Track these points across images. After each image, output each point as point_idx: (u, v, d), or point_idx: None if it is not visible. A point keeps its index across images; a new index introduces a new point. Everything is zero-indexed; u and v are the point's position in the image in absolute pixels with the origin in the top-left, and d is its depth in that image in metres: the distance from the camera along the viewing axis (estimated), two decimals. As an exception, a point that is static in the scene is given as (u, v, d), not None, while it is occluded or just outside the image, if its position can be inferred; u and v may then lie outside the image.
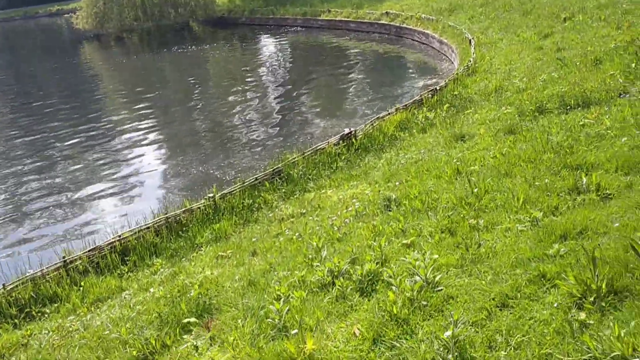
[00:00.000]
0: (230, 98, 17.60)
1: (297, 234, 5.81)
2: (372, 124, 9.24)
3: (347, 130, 8.77)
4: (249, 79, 20.52)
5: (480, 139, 7.38)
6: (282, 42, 28.45)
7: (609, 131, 6.10)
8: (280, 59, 24.85)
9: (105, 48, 36.32)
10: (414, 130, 9.06)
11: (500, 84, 10.48)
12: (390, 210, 5.68)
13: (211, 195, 7.14)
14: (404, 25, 21.93)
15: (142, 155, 12.94)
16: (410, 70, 18.56)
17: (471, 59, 12.51)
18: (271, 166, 8.18)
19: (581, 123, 6.63)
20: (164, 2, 38.51)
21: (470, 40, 14.85)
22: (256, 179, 7.64)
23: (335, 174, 7.87)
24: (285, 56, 25.39)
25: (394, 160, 7.81)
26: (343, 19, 26.80)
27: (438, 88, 10.68)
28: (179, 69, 25.28)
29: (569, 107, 7.52)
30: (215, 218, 7.01)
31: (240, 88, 19.05)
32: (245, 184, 7.46)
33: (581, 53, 11.06)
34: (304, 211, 6.61)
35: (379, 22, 24.06)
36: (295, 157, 8.18)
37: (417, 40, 21.04)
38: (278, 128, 13.84)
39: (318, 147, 8.43)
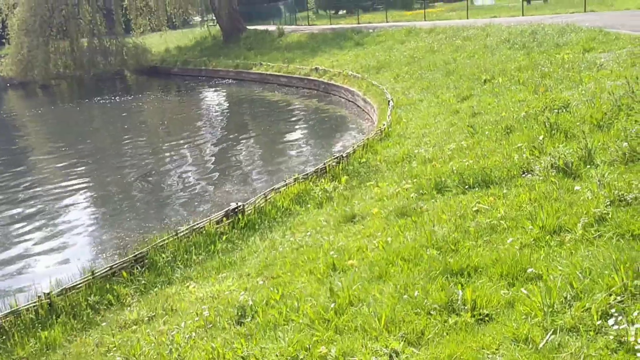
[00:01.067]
0: (153, 152, 16.44)
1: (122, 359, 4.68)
2: (265, 197, 8.31)
3: (233, 205, 7.78)
4: (174, 133, 19.44)
5: (372, 221, 6.54)
6: (213, 95, 27.65)
7: (502, 222, 5.33)
8: (209, 112, 23.95)
9: (30, 96, 34.62)
10: (310, 205, 8.18)
11: (410, 151, 9.80)
12: (241, 323, 4.68)
13: (46, 292, 5.94)
14: (332, 82, 21.50)
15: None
16: (333, 129, 17.88)
17: (385, 123, 11.88)
18: (133, 251, 7.06)
19: (475, 209, 5.86)
20: (94, 51, 37.39)
21: (389, 102, 14.32)
22: (111, 267, 6.51)
23: (210, 260, 6.83)
24: (213, 109, 24.52)
25: (278, 243, 6.86)
26: (274, 73, 26.30)
27: (344, 155, 9.91)
28: (101, 119, 24.00)
29: (467, 186, 6.79)
30: (47, 322, 5.80)
31: (162, 143, 17.93)
32: (95, 275, 6.31)
33: (494, 119, 10.57)
34: (153, 314, 5.52)
35: (309, 77, 23.62)
36: (165, 239, 7.10)
37: (343, 98, 20.59)
38: (196, 186, 12.75)
39: (196, 226, 7.39)
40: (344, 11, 48.12)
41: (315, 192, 8.28)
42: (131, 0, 39.63)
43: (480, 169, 6.91)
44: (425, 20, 32.82)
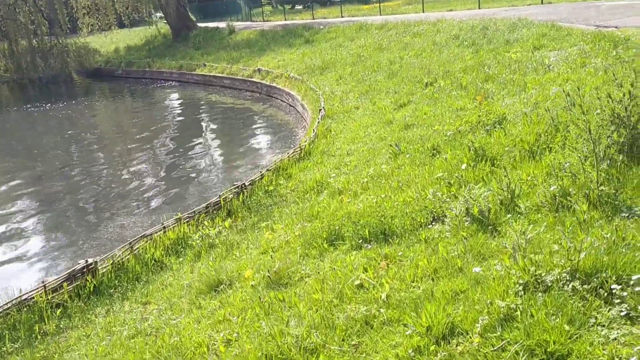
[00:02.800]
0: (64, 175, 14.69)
1: None
2: (131, 247, 6.75)
3: (82, 263, 6.21)
4: (84, 150, 17.68)
5: (236, 293, 5.06)
6: (149, 100, 25.85)
7: (381, 310, 3.89)
8: (134, 122, 22.11)
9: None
10: (188, 256, 6.66)
11: (324, 177, 8.35)
12: None
13: None
14: (274, 85, 19.95)
15: None
16: (268, 139, 16.32)
17: (307, 138, 10.40)
18: None
19: (358, 282, 4.42)
20: (34, 52, 35.23)
21: (320, 110, 12.85)
22: None
23: (32, 346, 5.27)
24: (142, 119, 22.69)
25: (120, 322, 5.33)
26: (217, 74, 24.63)
27: (247, 183, 8.40)
28: (44, 126, 22.06)
29: (363, 239, 5.35)
30: None
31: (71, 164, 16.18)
32: None
33: (425, 135, 9.18)
34: None
35: (251, 79, 22.03)
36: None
37: (285, 102, 19.08)
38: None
39: (23, 298, 5.80)
40: (301, 6, 46.53)
41: (194, 238, 6.75)
42: (77, -1, 37.55)
43: (380, 218, 5.44)
44: (380, 14, 31.45)
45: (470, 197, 5.03)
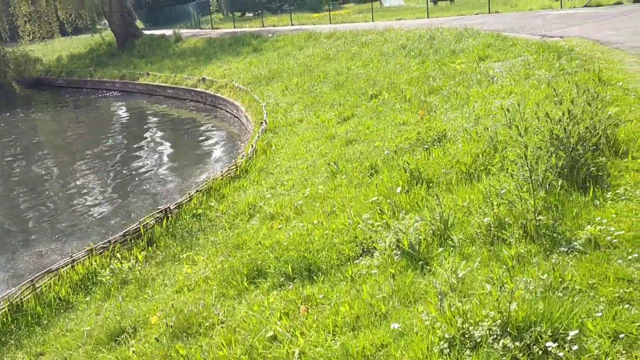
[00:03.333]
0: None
1: None
2: (32, 284, 6.03)
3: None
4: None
5: (142, 342, 4.43)
6: (92, 109, 24.79)
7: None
8: (81, 131, 21.12)
9: None
10: (97, 294, 5.98)
11: (258, 199, 7.79)
12: None
13: None
14: (218, 95, 19.28)
15: None
16: (210, 151, 15.60)
17: (244, 155, 9.82)
18: None
19: (271, 334, 3.87)
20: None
21: (261, 123, 12.29)
22: None
23: None
24: (80, 130, 21.68)
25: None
26: (160, 84, 23.77)
27: (173, 207, 7.76)
28: None
29: (286, 276, 4.81)
30: None
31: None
32: None
33: (365, 151, 8.75)
34: None
35: (196, 89, 21.29)
36: None
37: (229, 113, 18.44)
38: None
39: None
40: (252, 14, 45.91)
41: (104, 275, 6.08)
42: (17, 5, 35.83)
43: (305, 252, 4.92)
44: (330, 23, 31.15)
45: (401, 228, 4.56)
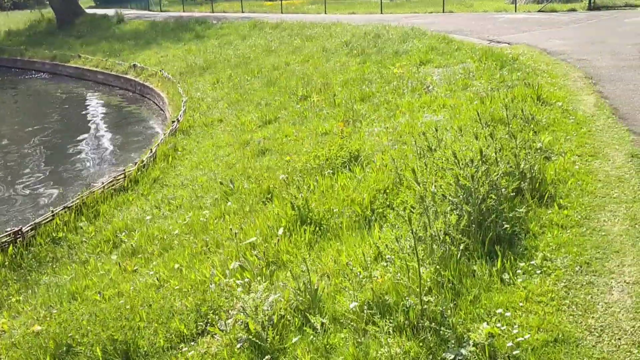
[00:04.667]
0: None
1: None
2: None
3: None
4: None
5: None
6: (12, 91, 22.84)
7: None
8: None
9: None
10: None
11: (132, 223, 6.51)
12: None
13: None
14: (147, 84, 17.77)
15: None
16: (124, 147, 14.03)
17: (137, 162, 8.50)
18: None
19: None
20: None
21: (173, 122, 10.96)
22: None
23: None
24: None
25: None
26: (91, 68, 22.03)
27: (27, 228, 6.41)
28: None
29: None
30: None
31: None
32: None
33: (273, 166, 7.59)
34: None
35: (125, 76, 19.71)
36: None
37: (156, 104, 16.97)
38: None
39: None
40: (204, -3, 43.99)
41: None
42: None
43: (126, 329, 3.71)
44: (281, 12, 29.81)
45: (251, 304, 3.41)
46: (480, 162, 3.98)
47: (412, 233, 3.13)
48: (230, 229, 5.43)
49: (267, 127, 10.45)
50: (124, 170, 8.15)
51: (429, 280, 3.29)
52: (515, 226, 4.07)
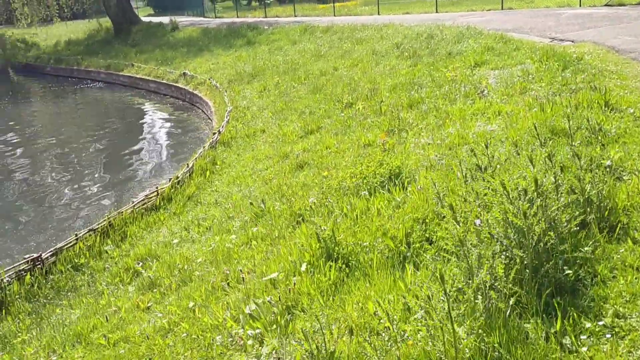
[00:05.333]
0: None
1: None
2: None
3: None
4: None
5: None
6: (65, 102, 23.29)
7: None
8: (40, 126, 19.51)
9: None
10: None
11: (157, 249, 6.10)
12: None
13: None
14: (196, 93, 17.62)
15: None
16: (162, 163, 13.78)
17: (179, 175, 8.12)
18: None
19: None
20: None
21: (215, 134, 10.59)
22: None
23: None
24: (45, 123, 20.13)
25: None
26: (144, 76, 22.18)
27: (47, 255, 6.10)
28: None
29: None
30: None
31: None
32: None
33: (310, 183, 7.05)
34: None
35: (176, 84, 19.67)
36: None
37: (204, 112, 16.77)
38: None
39: None
40: (257, 2, 44.14)
41: None
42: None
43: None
44: (334, 15, 29.36)
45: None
46: (536, 193, 3.28)
47: (445, 295, 2.49)
48: (253, 259, 4.90)
49: (308, 137, 9.92)
50: (157, 187, 7.79)
51: (468, 349, 2.63)
52: (580, 270, 3.34)
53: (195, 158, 9.09)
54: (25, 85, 28.43)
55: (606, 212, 4.06)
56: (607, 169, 4.87)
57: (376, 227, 4.45)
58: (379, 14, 27.39)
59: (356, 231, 4.55)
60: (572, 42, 12.52)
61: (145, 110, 19.45)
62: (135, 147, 14.99)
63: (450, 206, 3.05)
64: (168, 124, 17.46)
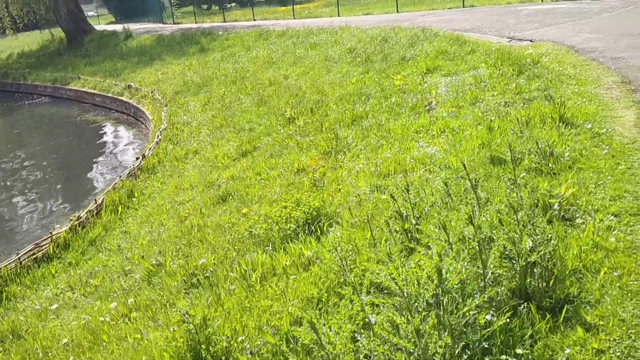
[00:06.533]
0: None
1: None
2: None
3: None
4: None
5: None
6: (19, 118, 21.94)
7: None
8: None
9: None
10: None
11: (20, 323, 4.99)
12: None
13: None
14: (139, 107, 16.44)
15: None
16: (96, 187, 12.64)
17: (83, 214, 7.00)
18: None
19: None
20: None
21: (138, 158, 9.47)
22: None
23: None
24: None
25: None
26: (89, 90, 20.89)
27: None
28: None
29: None
30: None
31: None
32: None
33: (226, 223, 6.00)
34: None
35: (121, 98, 18.43)
36: None
37: (147, 127, 15.61)
38: None
39: None
40: (218, 7, 42.87)
41: None
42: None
43: None
44: (294, 17, 28.33)
45: None
46: (440, 289, 2.28)
47: None
48: (126, 342, 3.84)
49: (241, 161, 8.87)
50: (51, 232, 6.67)
51: None
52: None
53: (107, 191, 7.96)
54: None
55: (551, 281, 3.09)
56: (555, 213, 3.92)
57: (264, 308, 3.42)
58: (338, 15, 26.42)
59: (242, 314, 3.52)
60: (531, 41, 11.68)
61: (85, 127, 18.18)
62: (60, 171, 13.78)
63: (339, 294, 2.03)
64: (111, 142, 16.24)
